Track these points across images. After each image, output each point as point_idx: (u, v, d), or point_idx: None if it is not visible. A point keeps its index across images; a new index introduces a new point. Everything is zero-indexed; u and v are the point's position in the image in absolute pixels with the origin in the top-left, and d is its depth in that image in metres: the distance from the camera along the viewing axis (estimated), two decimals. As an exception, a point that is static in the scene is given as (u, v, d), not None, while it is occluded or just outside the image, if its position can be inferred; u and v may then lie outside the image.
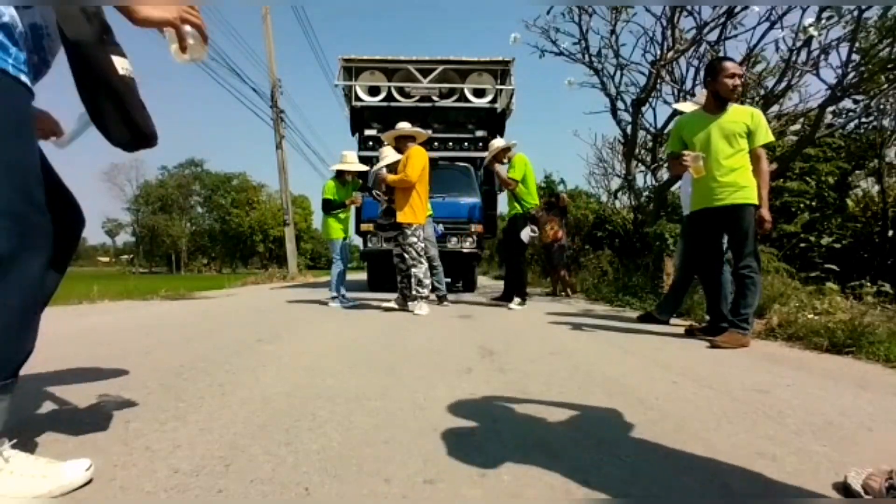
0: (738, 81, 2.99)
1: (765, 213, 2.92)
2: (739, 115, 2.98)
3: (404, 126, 4.71)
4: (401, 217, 4.36)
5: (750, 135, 2.93)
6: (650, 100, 6.68)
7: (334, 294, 5.24)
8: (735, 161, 2.95)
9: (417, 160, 4.34)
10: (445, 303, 5.30)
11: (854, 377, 2.12)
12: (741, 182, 2.92)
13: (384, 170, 4.53)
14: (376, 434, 1.33)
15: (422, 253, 4.44)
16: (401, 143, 4.66)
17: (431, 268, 5.05)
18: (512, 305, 4.97)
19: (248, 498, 0.98)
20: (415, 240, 4.36)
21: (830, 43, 5.09)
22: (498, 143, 5.23)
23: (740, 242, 2.93)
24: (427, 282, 4.44)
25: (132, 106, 1.16)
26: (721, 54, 5.96)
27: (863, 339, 2.63)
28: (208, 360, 2.31)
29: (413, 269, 4.34)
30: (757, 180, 2.93)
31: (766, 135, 2.92)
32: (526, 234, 4.84)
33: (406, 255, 4.38)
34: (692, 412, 1.56)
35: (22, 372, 2.03)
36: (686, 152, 2.98)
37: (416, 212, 4.39)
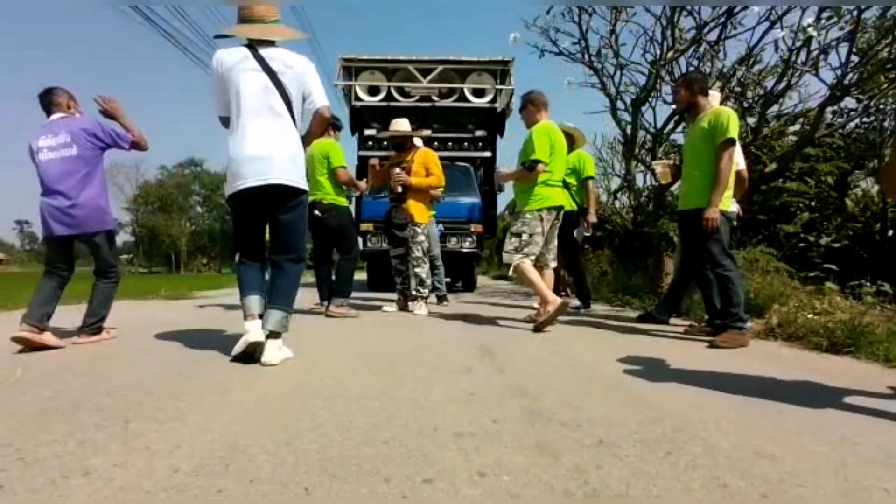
0: (675, 97, 3.30)
1: (707, 212, 2.91)
2: (704, 119, 3.05)
3: (402, 123, 4.60)
4: (419, 217, 4.39)
5: (713, 136, 2.95)
6: (650, 100, 6.66)
7: None
8: (698, 165, 3.05)
9: (438, 162, 4.46)
10: (445, 302, 5.30)
11: (853, 377, 2.12)
12: (696, 187, 3.03)
13: (397, 169, 4.48)
14: (376, 434, 1.33)
15: (427, 252, 4.47)
16: (404, 141, 4.61)
17: (433, 267, 5.04)
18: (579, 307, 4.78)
19: (247, 498, 0.98)
20: (423, 238, 4.41)
21: (830, 43, 5.08)
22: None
23: (704, 245, 2.99)
24: (429, 282, 4.46)
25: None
26: (721, 54, 5.96)
27: (862, 339, 2.63)
28: (208, 359, 2.31)
29: (416, 269, 4.35)
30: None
31: (722, 133, 2.90)
32: (580, 232, 4.70)
33: (412, 255, 4.39)
34: (692, 412, 1.56)
35: (20, 372, 2.03)
36: (656, 161, 3.26)
37: (428, 212, 4.55)
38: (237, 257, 2.43)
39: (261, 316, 2.23)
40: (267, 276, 2.43)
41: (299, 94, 2.28)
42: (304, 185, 2.30)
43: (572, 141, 4.69)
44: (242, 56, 2.22)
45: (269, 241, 2.46)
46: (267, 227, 2.43)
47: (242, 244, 2.40)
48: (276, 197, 2.23)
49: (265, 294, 2.30)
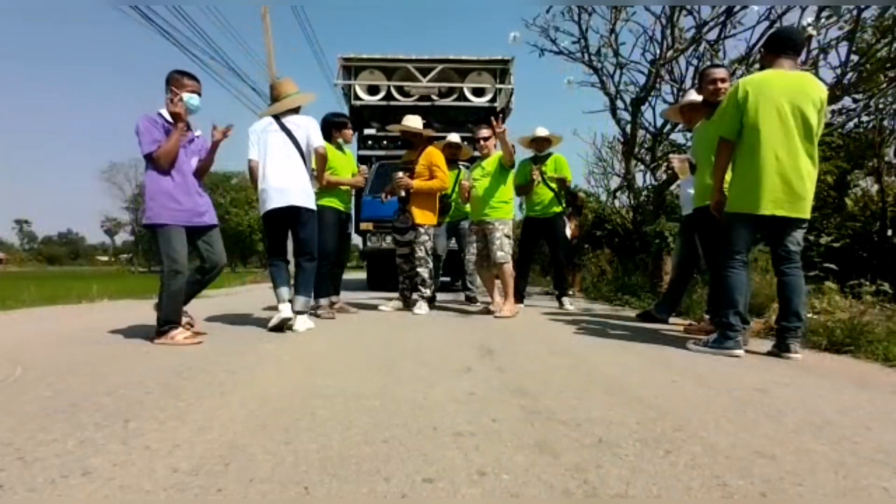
0: (720, 86, 3.05)
1: (715, 201, 2.71)
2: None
3: (414, 120, 4.57)
4: (420, 219, 4.30)
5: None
6: (650, 99, 6.66)
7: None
8: (711, 164, 2.95)
9: (443, 161, 4.38)
10: (470, 302, 5.24)
11: (853, 376, 2.13)
12: (711, 184, 2.91)
13: (400, 173, 4.43)
14: (375, 433, 1.33)
15: (430, 253, 4.42)
16: (413, 138, 4.57)
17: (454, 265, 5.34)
18: (567, 305, 5.07)
19: (247, 497, 0.98)
20: (426, 238, 4.34)
21: (829, 42, 5.08)
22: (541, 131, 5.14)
23: (710, 243, 2.96)
24: (430, 282, 4.43)
25: None
26: (720, 53, 5.96)
27: (861, 339, 2.63)
28: (207, 359, 2.31)
29: (419, 269, 4.32)
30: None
31: None
32: (569, 230, 5.15)
33: (415, 255, 4.35)
34: (692, 411, 1.56)
35: (20, 372, 2.03)
36: (673, 156, 3.15)
37: (433, 213, 4.41)
38: (268, 259, 3.58)
39: (289, 300, 3.24)
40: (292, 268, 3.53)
41: (305, 142, 3.34)
42: (311, 205, 3.33)
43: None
44: (269, 122, 3.36)
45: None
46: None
47: (272, 248, 3.53)
48: (293, 214, 3.29)
49: (290, 284, 3.38)
